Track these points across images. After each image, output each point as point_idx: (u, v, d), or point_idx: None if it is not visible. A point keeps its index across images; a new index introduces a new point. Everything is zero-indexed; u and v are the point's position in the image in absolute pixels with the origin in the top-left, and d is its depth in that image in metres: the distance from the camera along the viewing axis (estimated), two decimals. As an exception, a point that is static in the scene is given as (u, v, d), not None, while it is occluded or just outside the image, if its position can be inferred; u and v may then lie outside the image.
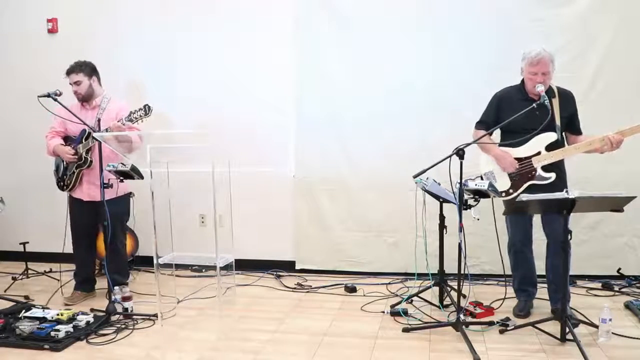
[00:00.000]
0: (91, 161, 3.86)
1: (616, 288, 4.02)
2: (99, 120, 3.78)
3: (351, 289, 4.16)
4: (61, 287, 4.08)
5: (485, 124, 3.54)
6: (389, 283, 4.33)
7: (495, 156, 3.47)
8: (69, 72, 3.90)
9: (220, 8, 4.61)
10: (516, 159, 3.39)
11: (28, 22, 4.94)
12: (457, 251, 3.19)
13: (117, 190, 3.74)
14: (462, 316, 3.19)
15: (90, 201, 3.92)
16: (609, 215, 3.83)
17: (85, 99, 3.92)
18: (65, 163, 3.96)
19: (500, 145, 3.46)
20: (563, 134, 3.42)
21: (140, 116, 3.57)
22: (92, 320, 3.48)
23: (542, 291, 3.65)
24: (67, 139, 3.99)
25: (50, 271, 4.68)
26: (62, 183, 4.01)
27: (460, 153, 3.08)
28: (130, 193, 4.13)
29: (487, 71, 4.10)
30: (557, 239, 3.16)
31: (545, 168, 3.34)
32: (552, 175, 3.33)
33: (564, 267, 3.05)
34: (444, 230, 3.61)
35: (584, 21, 4.06)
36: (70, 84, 3.90)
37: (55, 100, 3.79)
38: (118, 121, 3.62)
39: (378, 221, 4.51)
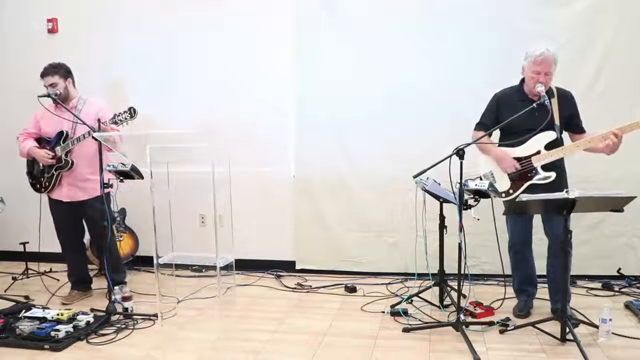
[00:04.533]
0: (72, 163, 3.83)
1: (616, 288, 4.02)
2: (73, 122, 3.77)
3: (351, 289, 4.16)
4: (62, 286, 4.08)
5: (484, 125, 3.54)
6: (389, 283, 4.33)
7: (495, 157, 3.46)
8: (43, 75, 3.84)
9: (220, 8, 4.60)
10: (515, 158, 3.38)
11: (28, 22, 4.93)
12: (457, 251, 3.19)
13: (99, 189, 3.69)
14: (462, 316, 3.19)
15: (69, 202, 3.91)
16: (609, 215, 3.84)
17: (62, 100, 3.84)
18: (41, 165, 3.93)
19: (499, 145, 3.45)
20: (565, 133, 3.42)
21: (125, 118, 3.53)
22: (92, 320, 3.48)
23: (542, 291, 3.65)
24: (40, 140, 3.96)
25: (50, 271, 4.69)
26: (38, 185, 3.98)
27: (460, 153, 3.07)
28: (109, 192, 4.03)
29: (487, 71, 4.10)
30: (557, 239, 3.16)
31: (545, 167, 3.34)
32: (552, 175, 3.32)
33: (564, 267, 3.05)
34: (444, 230, 3.61)
35: (584, 21, 4.06)
36: (45, 86, 3.83)
37: (55, 100, 3.79)
38: (102, 123, 3.57)
39: (378, 221, 4.50)
